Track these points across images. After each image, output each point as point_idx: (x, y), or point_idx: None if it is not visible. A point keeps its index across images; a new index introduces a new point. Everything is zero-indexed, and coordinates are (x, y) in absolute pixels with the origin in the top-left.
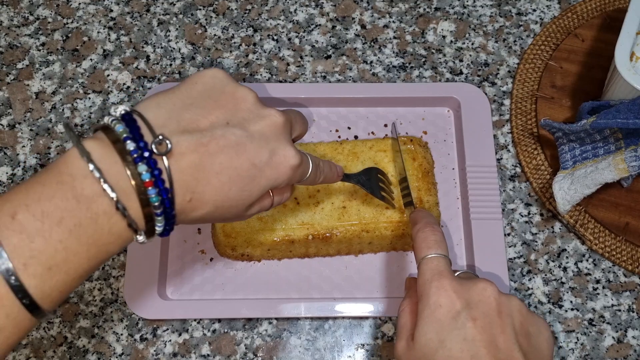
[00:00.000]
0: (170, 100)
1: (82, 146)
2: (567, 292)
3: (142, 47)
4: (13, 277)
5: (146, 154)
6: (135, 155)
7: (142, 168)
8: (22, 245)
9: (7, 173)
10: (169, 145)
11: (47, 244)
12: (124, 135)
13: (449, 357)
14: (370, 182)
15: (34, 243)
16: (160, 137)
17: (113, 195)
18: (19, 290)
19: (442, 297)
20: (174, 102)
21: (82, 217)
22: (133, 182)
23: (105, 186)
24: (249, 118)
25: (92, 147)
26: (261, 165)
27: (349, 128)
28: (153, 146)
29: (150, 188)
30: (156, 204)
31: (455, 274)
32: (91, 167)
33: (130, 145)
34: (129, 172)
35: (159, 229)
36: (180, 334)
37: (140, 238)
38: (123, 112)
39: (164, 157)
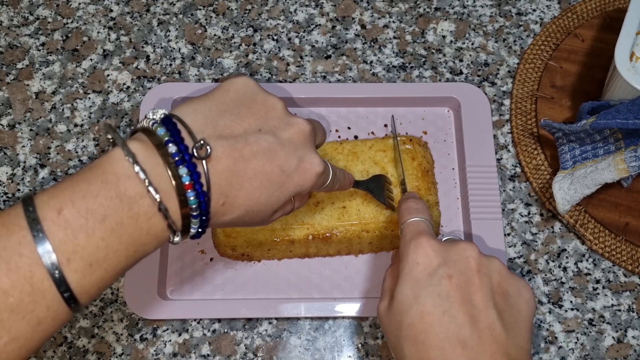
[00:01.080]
0: (206, 106)
1: (127, 148)
2: (567, 292)
3: (142, 47)
4: (57, 271)
5: (187, 158)
6: (176, 158)
7: (183, 171)
8: (67, 240)
9: (7, 173)
10: (209, 150)
11: (90, 240)
12: (166, 138)
13: (422, 311)
14: (378, 189)
15: (77, 239)
16: (202, 142)
17: (157, 196)
18: (62, 284)
19: (419, 255)
20: (210, 108)
21: (124, 216)
22: (174, 184)
23: (150, 188)
24: (279, 126)
25: (136, 149)
26: (290, 171)
27: (349, 128)
28: (194, 150)
29: (189, 190)
30: (194, 206)
31: (441, 239)
32: (137, 168)
33: (172, 149)
34: (170, 174)
35: (193, 230)
36: (180, 334)
37: (177, 239)
38: (162, 116)
39: (203, 161)
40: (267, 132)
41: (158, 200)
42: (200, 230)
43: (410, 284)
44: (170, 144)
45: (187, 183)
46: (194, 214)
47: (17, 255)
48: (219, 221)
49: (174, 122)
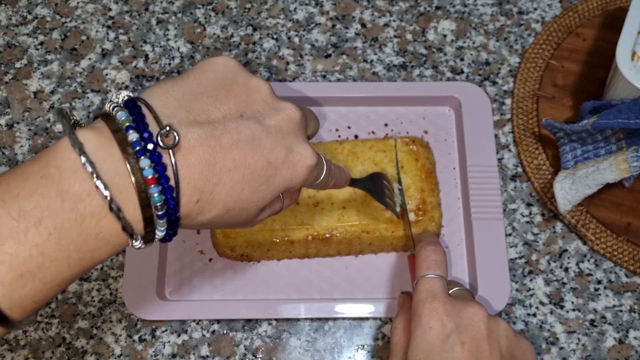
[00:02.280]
0: (180, 88)
1: (74, 136)
2: (569, 293)
3: (141, 46)
4: None
5: (150, 147)
6: (137, 148)
7: (145, 163)
8: None
9: None
10: (177, 138)
11: (20, 247)
12: (127, 124)
13: None
14: (376, 187)
15: (4, 245)
16: (168, 127)
17: (106, 193)
18: None
19: (433, 320)
20: (184, 90)
21: (65, 218)
22: (133, 179)
23: (98, 182)
24: (264, 111)
25: (87, 138)
26: (277, 163)
27: (349, 127)
28: (159, 138)
29: (152, 186)
30: (158, 204)
31: (451, 291)
32: (83, 159)
33: (133, 136)
34: (128, 167)
35: (160, 233)
36: (179, 335)
37: (137, 243)
38: (126, 98)
39: (171, 151)
40: (249, 117)
41: (108, 197)
42: (170, 232)
43: (423, 348)
44: (130, 131)
45: (149, 177)
46: (159, 213)
47: None
48: (193, 222)
49: (138, 106)
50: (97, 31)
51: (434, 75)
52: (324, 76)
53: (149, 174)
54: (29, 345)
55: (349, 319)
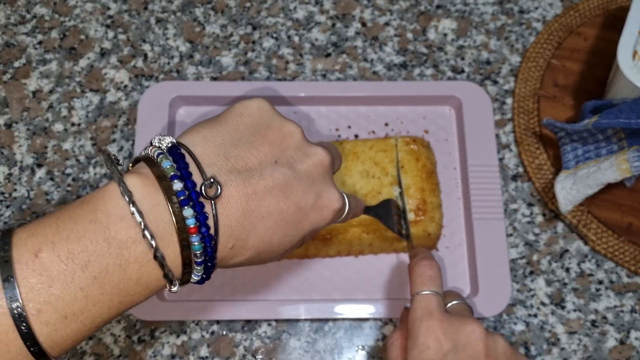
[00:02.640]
0: (219, 134)
1: (124, 185)
2: (570, 293)
3: (140, 45)
4: (24, 324)
5: (194, 196)
6: (182, 197)
7: (188, 212)
8: (40, 288)
9: (3, 173)
10: (219, 190)
11: (67, 290)
12: (171, 173)
13: None
14: (387, 214)
15: (52, 287)
16: (212, 179)
17: (153, 242)
18: (28, 338)
19: (430, 339)
20: (222, 136)
21: (109, 263)
22: (176, 226)
23: (146, 232)
24: (296, 157)
25: (135, 185)
26: (307, 208)
27: (349, 127)
28: (202, 188)
29: (194, 235)
30: (198, 252)
31: (448, 306)
32: (132, 209)
33: (178, 185)
34: (173, 216)
35: (195, 277)
36: (178, 336)
37: (175, 288)
38: (170, 144)
39: (212, 202)
40: (283, 164)
41: (154, 246)
42: (204, 276)
43: None
44: (175, 180)
45: (192, 226)
46: (198, 260)
47: None
48: (224, 265)
49: (181, 154)
50: (96, 30)
51: (435, 75)
52: (324, 75)
53: (191, 223)
54: None
55: (349, 319)
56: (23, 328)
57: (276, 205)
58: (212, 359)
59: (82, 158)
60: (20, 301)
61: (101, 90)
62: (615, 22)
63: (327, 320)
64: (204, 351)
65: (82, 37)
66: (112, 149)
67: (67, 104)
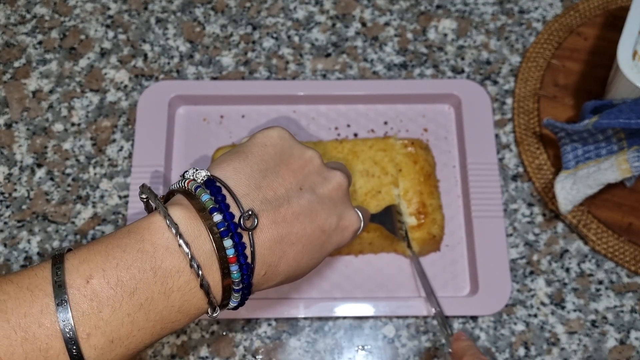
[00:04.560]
0: (247, 166)
1: (170, 217)
2: (570, 293)
3: (140, 45)
4: (75, 347)
5: (232, 228)
6: (222, 229)
7: (228, 243)
8: (91, 313)
9: (3, 173)
10: (256, 221)
11: (115, 315)
12: (211, 205)
13: None
14: (390, 221)
15: (102, 312)
16: (250, 212)
17: (200, 272)
18: None
19: None
20: (251, 168)
21: (155, 291)
22: (217, 256)
23: (192, 263)
24: (317, 181)
25: (179, 218)
26: (330, 231)
27: (349, 126)
28: (241, 220)
29: (233, 264)
30: (236, 280)
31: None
32: (180, 241)
33: (217, 217)
34: (214, 246)
35: (233, 304)
36: (178, 336)
37: (216, 314)
38: (205, 178)
39: (250, 233)
40: (307, 189)
41: (200, 276)
42: (240, 303)
43: None
44: (215, 213)
45: (231, 256)
46: (236, 288)
47: (37, 325)
48: (255, 290)
49: (218, 187)
50: (96, 30)
51: (435, 75)
52: (324, 75)
53: (231, 253)
54: None
55: (349, 318)
56: (74, 351)
57: (303, 231)
58: (212, 359)
59: (82, 158)
60: (73, 325)
61: (101, 90)
62: (615, 22)
63: (327, 319)
64: (204, 351)
65: (82, 37)
66: (112, 149)
67: (67, 104)
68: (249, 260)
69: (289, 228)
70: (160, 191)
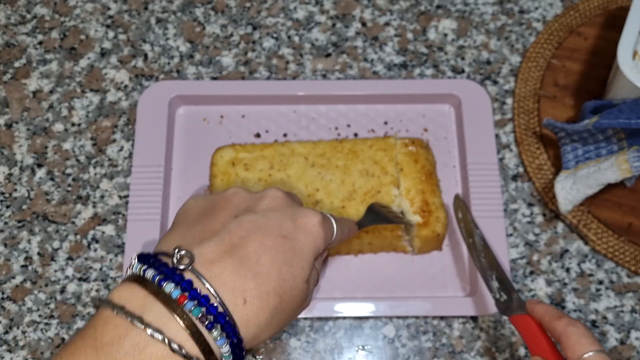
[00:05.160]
0: (176, 230)
1: (112, 303)
2: (570, 293)
3: (140, 45)
4: None
5: (168, 272)
6: (158, 278)
7: (169, 287)
8: None
9: (4, 173)
10: (192, 254)
11: None
12: (143, 268)
13: None
14: (379, 215)
15: None
16: (177, 249)
17: (159, 336)
18: None
19: None
20: (180, 229)
21: None
22: (168, 310)
23: (155, 334)
24: (250, 204)
25: (120, 297)
26: (291, 234)
27: (349, 126)
28: (174, 260)
29: (186, 302)
30: (199, 316)
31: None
32: (149, 331)
33: (149, 273)
34: (157, 297)
35: (226, 354)
36: None
37: None
38: (136, 257)
39: (191, 267)
40: (244, 214)
41: (165, 340)
42: (237, 351)
43: None
44: (149, 270)
45: (179, 296)
46: (207, 323)
47: None
48: (258, 326)
49: (147, 255)
50: (96, 30)
51: (435, 75)
52: (324, 75)
53: (176, 294)
54: (28, 346)
55: (349, 318)
56: None
57: (262, 245)
58: None
59: (82, 158)
60: None
61: (101, 91)
62: (615, 22)
63: (327, 319)
64: None
65: (83, 37)
66: (113, 149)
67: (67, 104)
68: (204, 292)
69: (244, 249)
70: (161, 191)
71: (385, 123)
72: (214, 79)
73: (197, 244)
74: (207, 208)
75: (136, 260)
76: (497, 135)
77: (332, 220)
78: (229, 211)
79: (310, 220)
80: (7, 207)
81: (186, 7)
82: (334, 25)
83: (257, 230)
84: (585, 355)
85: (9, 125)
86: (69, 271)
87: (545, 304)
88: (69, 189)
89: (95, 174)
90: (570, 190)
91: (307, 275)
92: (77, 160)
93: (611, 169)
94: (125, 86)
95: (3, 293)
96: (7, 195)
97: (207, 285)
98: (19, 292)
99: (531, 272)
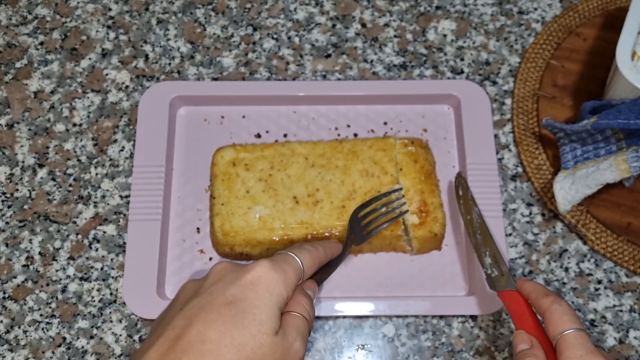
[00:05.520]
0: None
1: None
2: (569, 293)
3: (141, 46)
4: None
5: None
6: None
7: None
8: None
9: (5, 173)
10: None
11: None
12: None
13: None
14: (362, 224)
15: None
16: None
17: None
18: None
19: None
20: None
21: None
22: None
23: None
24: (196, 288)
25: None
26: (237, 296)
27: (349, 126)
28: None
29: None
30: None
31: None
32: None
33: None
34: None
35: None
36: None
37: None
38: None
39: None
40: (189, 301)
41: None
42: None
43: None
44: None
45: None
46: None
47: None
48: None
49: None
50: (97, 31)
51: (434, 75)
52: (324, 76)
53: None
54: (29, 345)
55: (349, 317)
56: None
57: (205, 323)
58: None
59: (83, 158)
60: None
61: (102, 91)
62: (614, 22)
63: (327, 319)
64: None
65: (84, 37)
66: (114, 149)
67: (68, 105)
68: None
69: (187, 337)
70: (162, 191)
71: (385, 123)
72: (215, 79)
73: (144, 353)
74: (161, 315)
75: None
76: (496, 136)
77: (292, 255)
78: (176, 307)
79: (256, 273)
80: (9, 207)
81: (187, 8)
82: (334, 26)
83: (200, 311)
84: (565, 332)
85: (10, 126)
86: (70, 271)
87: (535, 282)
88: (70, 189)
89: (97, 174)
90: (569, 190)
91: (273, 327)
92: (79, 160)
93: (610, 169)
94: (127, 87)
95: (4, 292)
96: (8, 195)
97: None
98: (21, 292)
99: (530, 272)
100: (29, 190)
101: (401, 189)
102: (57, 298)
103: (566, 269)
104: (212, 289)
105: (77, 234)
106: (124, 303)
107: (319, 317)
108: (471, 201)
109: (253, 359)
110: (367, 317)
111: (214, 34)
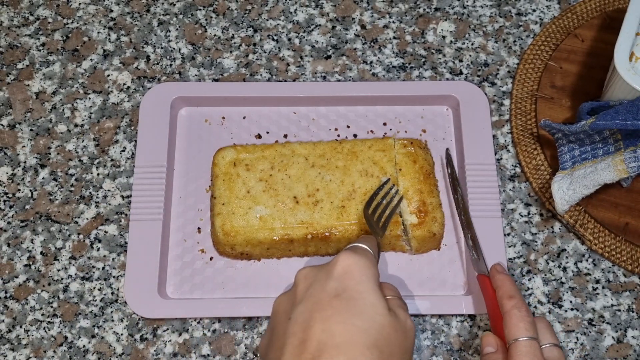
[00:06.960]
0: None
1: None
2: (567, 292)
3: (142, 47)
4: None
5: None
6: None
7: None
8: None
9: (7, 173)
10: None
11: None
12: None
13: None
14: (374, 218)
15: None
16: None
17: None
18: None
19: None
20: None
21: None
22: None
23: None
24: (291, 299)
25: None
26: (339, 289)
27: (348, 127)
28: None
29: None
30: None
31: (543, 347)
32: None
33: None
34: None
35: None
36: (180, 334)
37: None
38: None
39: None
40: (292, 311)
41: None
42: None
43: None
44: None
45: None
46: None
47: None
48: None
49: None
50: (98, 32)
51: (433, 76)
52: (324, 77)
53: None
54: (31, 345)
55: None
56: None
57: (324, 322)
58: (213, 357)
59: (85, 159)
60: None
61: (104, 92)
62: (612, 23)
63: None
64: (205, 349)
65: (85, 39)
66: (115, 149)
67: (70, 105)
68: None
69: (313, 339)
70: (163, 191)
71: (384, 124)
72: (216, 80)
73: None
74: (267, 336)
75: None
76: (494, 136)
77: (359, 244)
78: (282, 319)
79: (344, 262)
80: (11, 207)
81: (188, 10)
82: (333, 27)
83: (313, 312)
84: (518, 339)
85: (12, 126)
86: (72, 270)
87: (505, 275)
88: (72, 189)
89: (98, 175)
90: (567, 190)
91: (385, 306)
92: (80, 160)
93: (608, 170)
94: (128, 87)
95: (6, 292)
96: (10, 195)
97: None
98: (22, 291)
99: (528, 272)
100: (30, 190)
101: (389, 179)
102: (58, 297)
103: (564, 269)
104: (311, 291)
105: (79, 233)
106: (125, 302)
107: None
108: (456, 181)
109: (381, 340)
110: None
111: (215, 35)
